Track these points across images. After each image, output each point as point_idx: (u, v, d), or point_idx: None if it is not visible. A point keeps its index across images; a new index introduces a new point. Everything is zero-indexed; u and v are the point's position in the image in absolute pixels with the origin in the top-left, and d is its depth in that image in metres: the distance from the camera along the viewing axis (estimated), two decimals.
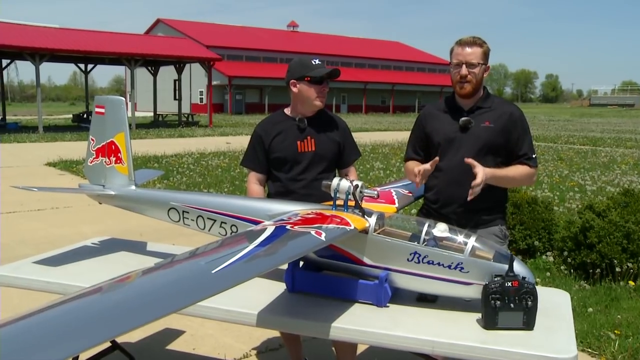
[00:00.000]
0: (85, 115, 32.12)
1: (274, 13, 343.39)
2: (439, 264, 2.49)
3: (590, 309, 4.87)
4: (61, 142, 22.03)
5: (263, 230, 2.39)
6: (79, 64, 36.87)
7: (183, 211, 3.21)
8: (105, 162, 3.50)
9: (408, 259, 2.55)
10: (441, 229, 2.57)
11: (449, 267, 2.48)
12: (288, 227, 2.44)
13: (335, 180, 2.78)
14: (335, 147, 3.46)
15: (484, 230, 3.09)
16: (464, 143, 3.04)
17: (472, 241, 2.52)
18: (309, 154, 3.37)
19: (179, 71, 35.24)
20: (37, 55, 26.86)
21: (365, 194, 2.75)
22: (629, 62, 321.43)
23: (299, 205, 2.94)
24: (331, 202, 2.82)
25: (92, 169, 3.57)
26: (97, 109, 3.53)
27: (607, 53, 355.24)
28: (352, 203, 2.74)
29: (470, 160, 2.89)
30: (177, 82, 37.49)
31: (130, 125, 28.19)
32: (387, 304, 2.59)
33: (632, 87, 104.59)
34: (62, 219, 8.65)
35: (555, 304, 2.69)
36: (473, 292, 2.46)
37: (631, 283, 5.38)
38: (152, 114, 39.02)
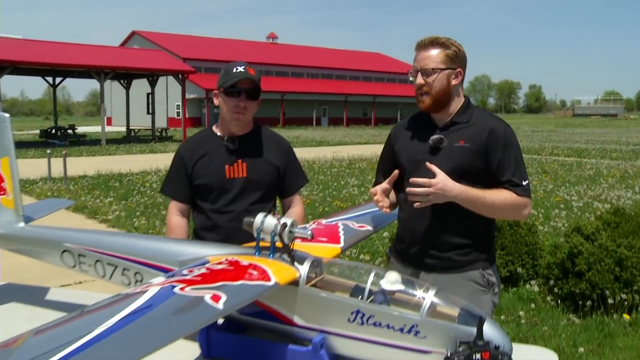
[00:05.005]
0: (53, 131, 31.13)
1: (253, 25, 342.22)
2: (387, 326, 1.96)
3: (582, 349, 4.27)
4: (23, 159, 21.15)
5: (142, 294, 1.75)
6: (46, 77, 35.54)
7: (79, 254, 2.64)
8: None
9: (349, 320, 2.02)
10: (391, 280, 2.02)
11: (401, 330, 1.94)
12: (177, 288, 1.81)
13: (259, 217, 2.20)
14: (274, 172, 2.89)
15: (459, 276, 2.48)
16: None
17: (430, 296, 1.93)
18: (239, 181, 2.81)
19: (152, 84, 34.64)
20: None
21: (295, 234, 2.15)
22: (612, 72, 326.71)
23: (216, 248, 2.40)
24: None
25: None
26: None
27: (590, 63, 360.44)
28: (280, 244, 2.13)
29: (429, 165, 2.36)
30: (150, 95, 36.69)
31: (100, 140, 27.02)
32: None
33: (614, 97, 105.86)
34: None
35: None
36: None
37: (626, 316, 4.79)
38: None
